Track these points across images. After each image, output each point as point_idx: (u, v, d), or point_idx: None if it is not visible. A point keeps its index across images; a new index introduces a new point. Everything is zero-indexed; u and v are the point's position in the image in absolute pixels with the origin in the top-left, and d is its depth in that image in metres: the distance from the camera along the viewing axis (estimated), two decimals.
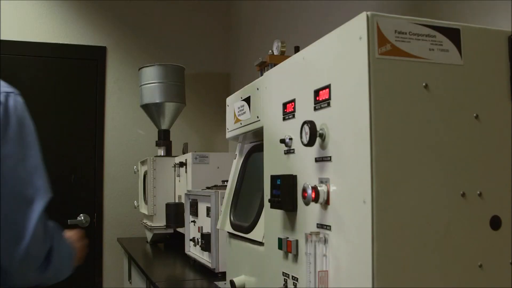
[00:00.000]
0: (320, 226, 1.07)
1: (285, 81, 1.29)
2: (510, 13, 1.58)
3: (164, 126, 3.71)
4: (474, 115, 1.03)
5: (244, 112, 1.57)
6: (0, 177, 1.07)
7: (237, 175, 1.75)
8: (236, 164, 1.77)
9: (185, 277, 2.41)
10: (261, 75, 1.54)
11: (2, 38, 3.82)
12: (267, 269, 1.35)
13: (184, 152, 3.41)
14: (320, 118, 1.08)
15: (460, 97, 1.02)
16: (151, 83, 3.69)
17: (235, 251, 1.63)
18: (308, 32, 2.95)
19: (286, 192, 1.19)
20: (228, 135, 1.73)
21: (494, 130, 1.05)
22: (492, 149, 1.04)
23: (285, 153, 1.24)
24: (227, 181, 2.60)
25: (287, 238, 1.20)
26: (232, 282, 1.52)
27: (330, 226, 1.04)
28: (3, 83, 1.18)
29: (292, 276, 1.19)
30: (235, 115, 1.65)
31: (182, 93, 3.82)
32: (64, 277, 1.22)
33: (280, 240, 1.22)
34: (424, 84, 0.98)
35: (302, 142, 1.09)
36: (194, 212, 2.40)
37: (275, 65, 1.45)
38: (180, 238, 2.80)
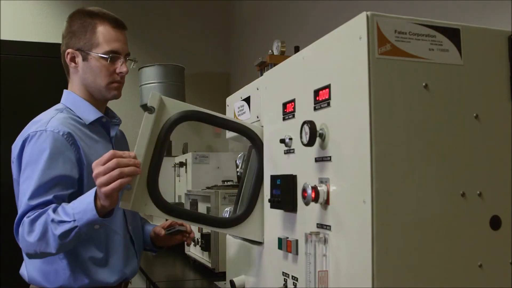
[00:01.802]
0: (320, 226, 1.07)
1: (285, 81, 1.29)
2: (510, 13, 1.58)
3: None
4: (474, 115, 1.03)
5: (244, 112, 1.57)
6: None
7: (152, 147, 1.31)
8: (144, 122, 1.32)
9: (185, 277, 2.41)
10: (261, 75, 1.54)
11: (2, 38, 3.82)
12: (267, 269, 1.35)
13: (184, 152, 3.42)
14: (320, 118, 1.08)
15: (460, 97, 1.02)
16: (151, 83, 3.69)
17: (235, 251, 1.62)
18: (308, 32, 2.95)
19: (286, 192, 1.19)
20: (228, 135, 1.73)
21: (494, 130, 1.05)
22: (492, 149, 1.04)
23: (285, 153, 1.24)
24: (227, 181, 2.61)
25: (287, 238, 1.20)
26: (232, 282, 1.52)
27: (330, 226, 1.04)
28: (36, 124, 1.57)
29: (292, 276, 1.19)
30: (235, 115, 1.65)
31: (182, 93, 3.82)
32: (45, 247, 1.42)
33: (280, 240, 1.22)
34: (424, 84, 0.98)
35: (302, 142, 1.09)
36: None
37: (275, 65, 1.45)
38: None
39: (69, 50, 1.65)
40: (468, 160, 1.02)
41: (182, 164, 3.10)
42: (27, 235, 1.41)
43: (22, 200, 1.47)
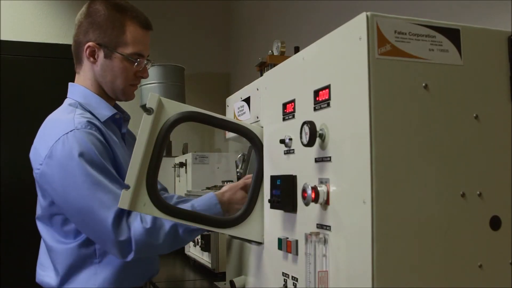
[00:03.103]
0: (320, 226, 1.07)
1: (285, 82, 1.29)
2: (510, 13, 1.58)
3: None
4: (474, 115, 1.03)
5: (244, 112, 1.57)
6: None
7: (151, 148, 1.32)
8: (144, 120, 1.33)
9: (185, 277, 2.41)
10: (261, 75, 1.54)
11: (2, 38, 3.82)
12: (267, 270, 1.35)
13: (184, 152, 3.42)
14: (320, 118, 1.08)
15: (460, 97, 1.02)
16: (151, 83, 3.69)
17: (235, 251, 1.62)
18: (308, 32, 2.95)
19: (286, 192, 1.19)
20: (228, 135, 1.73)
21: (494, 130, 1.05)
22: (492, 149, 1.04)
23: (285, 153, 1.24)
24: (227, 181, 2.61)
25: (287, 238, 1.20)
26: (232, 282, 1.52)
27: (330, 226, 1.04)
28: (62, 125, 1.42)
29: (292, 276, 1.19)
30: (235, 115, 1.65)
31: (182, 93, 3.82)
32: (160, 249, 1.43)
33: (280, 240, 1.22)
34: (424, 84, 0.98)
35: (302, 142, 1.09)
36: None
37: (275, 65, 1.45)
38: None
39: (90, 44, 1.50)
40: (468, 160, 1.02)
41: (182, 165, 3.10)
42: (150, 238, 1.36)
43: (102, 206, 1.34)
